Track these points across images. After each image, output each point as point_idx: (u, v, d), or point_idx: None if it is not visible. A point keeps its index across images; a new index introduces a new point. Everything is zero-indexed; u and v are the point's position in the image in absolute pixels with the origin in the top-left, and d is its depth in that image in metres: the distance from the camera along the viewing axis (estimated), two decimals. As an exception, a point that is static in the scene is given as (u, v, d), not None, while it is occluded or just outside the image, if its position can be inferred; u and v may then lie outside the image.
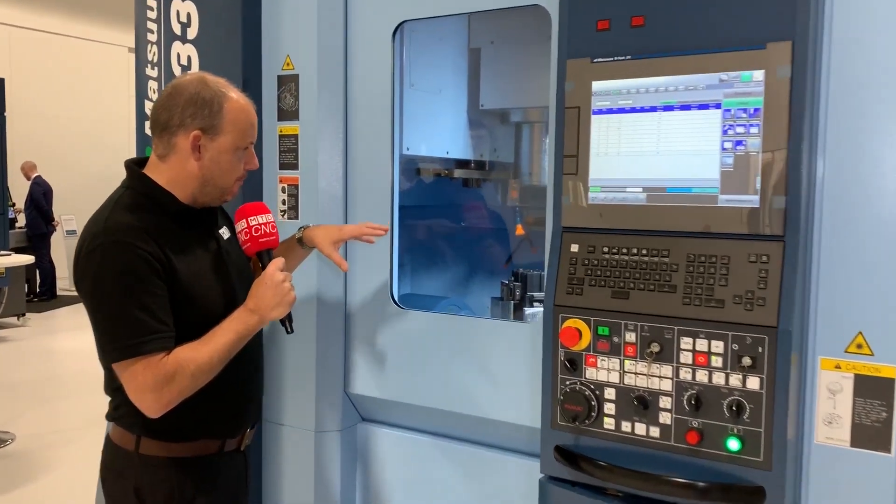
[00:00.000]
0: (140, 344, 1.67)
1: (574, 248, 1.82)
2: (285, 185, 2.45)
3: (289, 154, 2.43)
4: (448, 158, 2.92)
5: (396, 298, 2.40)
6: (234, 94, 1.83)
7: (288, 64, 2.41)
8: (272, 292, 1.81)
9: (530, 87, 2.78)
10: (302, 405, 2.47)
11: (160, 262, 1.71)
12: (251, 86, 2.42)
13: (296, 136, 2.40)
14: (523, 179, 2.94)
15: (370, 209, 2.40)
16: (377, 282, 2.40)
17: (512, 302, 2.74)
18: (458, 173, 2.98)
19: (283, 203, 2.47)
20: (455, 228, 3.28)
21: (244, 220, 1.91)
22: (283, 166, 2.45)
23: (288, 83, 2.41)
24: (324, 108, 2.37)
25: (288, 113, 2.41)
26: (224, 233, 1.98)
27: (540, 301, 2.72)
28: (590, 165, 1.80)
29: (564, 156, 1.83)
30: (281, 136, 2.44)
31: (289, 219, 2.45)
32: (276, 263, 1.85)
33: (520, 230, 3.24)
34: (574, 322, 1.80)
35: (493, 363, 2.20)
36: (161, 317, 1.70)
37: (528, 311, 2.68)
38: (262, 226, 1.90)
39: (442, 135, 2.87)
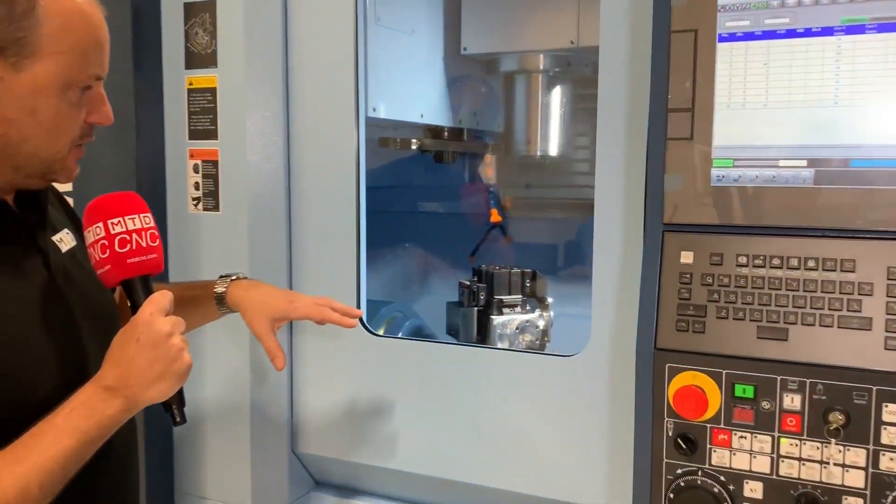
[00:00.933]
0: None
1: (686, 257, 1.30)
2: (198, 162, 1.97)
3: (203, 117, 1.95)
4: (420, 125, 2.38)
5: (365, 320, 1.96)
6: None
7: (199, -15, 1.94)
8: (149, 354, 1.08)
9: (530, 26, 2.28)
10: (233, 471, 2.02)
11: None
12: (146, 18, 1.94)
13: (213, 91, 1.93)
14: (518, 148, 2.38)
15: (325, 195, 1.97)
16: (337, 297, 1.90)
17: (475, 308, 2.32)
18: (431, 144, 2.42)
19: (196, 188, 1.96)
20: (415, 215, 2.88)
21: (99, 225, 1.16)
22: (194, 134, 1.96)
23: (200, 14, 1.93)
24: (254, 50, 1.91)
25: (201, 57, 1.93)
26: (63, 241, 1.26)
27: (511, 306, 2.34)
28: (714, 125, 1.29)
29: (669, 110, 1.29)
30: (191, 92, 1.95)
31: (205, 210, 1.95)
32: (158, 301, 1.12)
33: (495, 216, 2.87)
34: (693, 377, 1.25)
35: (507, 410, 1.79)
36: None
37: (496, 319, 2.27)
38: (132, 234, 1.17)
39: (416, 93, 2.35)
